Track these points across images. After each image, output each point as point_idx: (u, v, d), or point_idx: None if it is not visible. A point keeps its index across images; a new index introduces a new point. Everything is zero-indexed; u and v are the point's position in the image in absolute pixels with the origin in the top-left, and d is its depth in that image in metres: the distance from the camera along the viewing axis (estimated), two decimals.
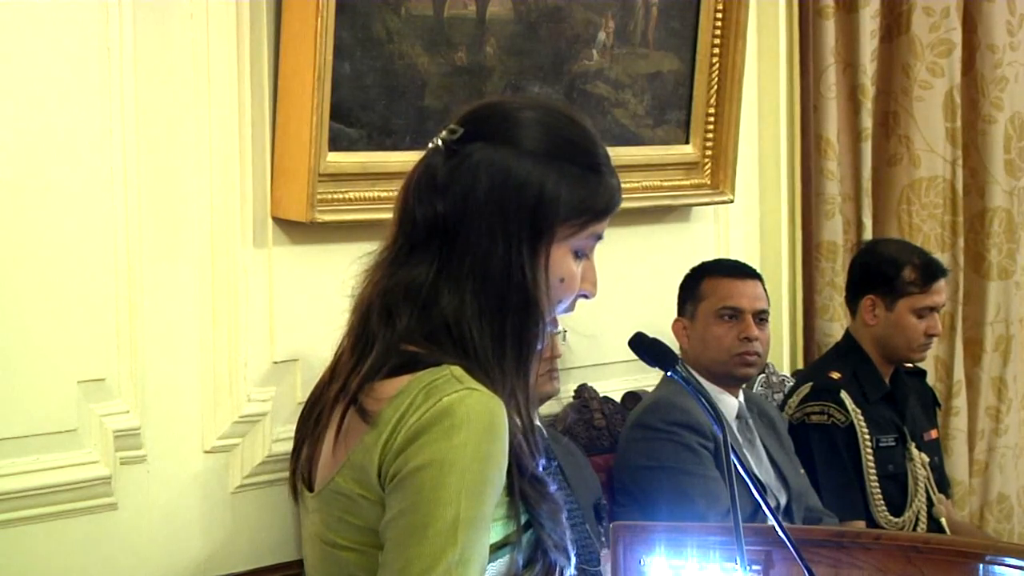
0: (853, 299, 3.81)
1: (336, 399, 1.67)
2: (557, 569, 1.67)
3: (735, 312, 3.38)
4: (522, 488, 1.63)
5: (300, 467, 1.75)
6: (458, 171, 1.65)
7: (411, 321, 1.63)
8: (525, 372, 1.65)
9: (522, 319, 1.64)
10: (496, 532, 1.62)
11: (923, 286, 3.69)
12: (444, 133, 1.68)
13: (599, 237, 1.70)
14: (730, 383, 3.40)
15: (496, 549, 1.62)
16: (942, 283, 3.73)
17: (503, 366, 1.63)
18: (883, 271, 3.73)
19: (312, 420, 1.74)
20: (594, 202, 1.67)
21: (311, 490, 1.72)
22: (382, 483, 1.59)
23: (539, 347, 1.67)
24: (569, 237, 1.67)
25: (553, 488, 1.67)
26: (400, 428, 1.57)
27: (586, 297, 1.73)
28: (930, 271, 3.71)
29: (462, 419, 1.56)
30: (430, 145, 1.71)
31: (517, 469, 1.62)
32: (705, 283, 3.44)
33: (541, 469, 1.66)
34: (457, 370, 1.60)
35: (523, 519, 1.64)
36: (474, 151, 1.65)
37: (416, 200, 1.67)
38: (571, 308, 1.73)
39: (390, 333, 1.64)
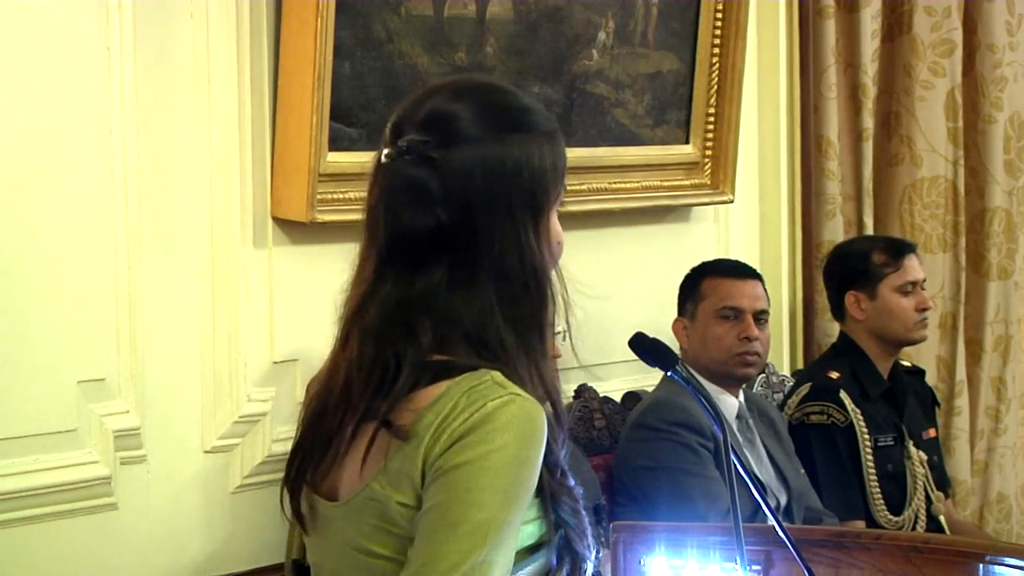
0: (837, 304, 3.81)
1: (359, 422, 1.62)
2: (585, 563, 1.67)
3: (735, 312, 3.38)
4: (552, 487, 1.63)
5: (314, 480, 1.70)
6: (451, 177, 1.63)
7: (434, 333, 1.62)
8: (543, 349, 1.66)
9: (538, 300, 1.66)
10: (530, 533, 1.62)
11: (895, 263, 3.72)
12: (404, 144, 1.65)
13: (566, 189, 1.74)
14: (730, 383, 3.40)
15: (533, 551, 1.62)
16: (914, 259, 3.75)
17: (530, 353, 1.64)
18: (853, 264, 3.77)
19: (321, 442, 1.68)
20: (564, 159, 1.70)
21: (332, 500, 1.68)
22: (424, 486, 1.57)
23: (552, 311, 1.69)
24: (555, 201, 1.69)
25: (571, 481, 1.68)
26: (442, 431, 1.56)
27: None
28: (897, 248, 3.77)
29: (504, 424, 1.55)
30: (384, 159, 1.67)
31: (547, 469, 1.62)
32: (705, 283, 3.44)
33: (563, 460, 1.67)
34: (498, 375, 1.59)
35: (552, 517, 1.64)
36: (456, 154, 1.63)
37: (410, 214, 1.63)
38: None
39: (415, 349, 1.61)
